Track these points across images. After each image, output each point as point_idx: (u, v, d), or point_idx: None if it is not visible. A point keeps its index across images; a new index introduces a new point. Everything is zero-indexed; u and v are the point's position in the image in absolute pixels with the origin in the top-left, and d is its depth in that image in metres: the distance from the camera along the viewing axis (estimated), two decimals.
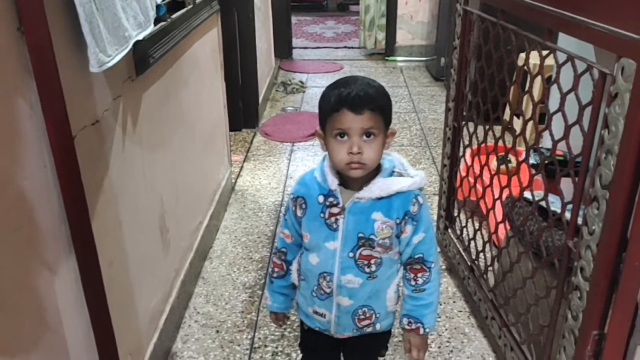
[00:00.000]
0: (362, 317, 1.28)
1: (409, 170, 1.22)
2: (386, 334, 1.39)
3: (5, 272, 0.97)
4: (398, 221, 1.19)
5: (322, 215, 1.21)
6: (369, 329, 1.30)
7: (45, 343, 1.11)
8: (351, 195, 1.19)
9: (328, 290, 1.25)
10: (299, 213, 1.25)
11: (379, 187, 1.17)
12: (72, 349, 1.20)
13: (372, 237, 1.19)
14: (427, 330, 1.27)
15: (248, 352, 1.87)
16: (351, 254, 1.21)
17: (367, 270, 1.23)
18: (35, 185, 1.05)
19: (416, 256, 1.24)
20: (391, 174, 1.20)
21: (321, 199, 1.21)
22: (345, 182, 1.19)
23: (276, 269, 1.36)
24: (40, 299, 1.08)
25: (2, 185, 0.95)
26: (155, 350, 1.71)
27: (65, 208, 1.12)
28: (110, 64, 1.19)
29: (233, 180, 3.06)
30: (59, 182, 1.10)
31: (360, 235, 1.20)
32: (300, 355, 1.53)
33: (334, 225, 1.20)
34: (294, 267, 1.33)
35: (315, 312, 1.31)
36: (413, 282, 1.26)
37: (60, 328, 1.15)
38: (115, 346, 1.32)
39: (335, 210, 1.20)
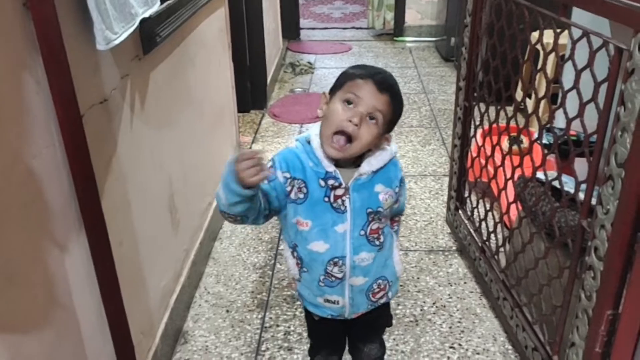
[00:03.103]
0: (376, 290, 1.29)
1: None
2: (388, 304, 1.40)
3: (16, 248, 0.97)
4: (397, 189, 1.24)
5: (326, 199, 1.17)
6: (383, 300, 1.32)
7: (57, 320, 1.11)
8: (349, 173, 1.17)
9: (340, 276, 1.23)
10: (294, 196, 1.18)
11: (376, 161, 1.19)
12: (84, 327, 1.20)
13: (379, 209, 1.20)
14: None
15: (259, 331, 1.87)
16: (362, 232, 1.21)
17: (377, 243, 1.24)
18: (44, 164, 1.04)
19: (399, 212, 1.34)
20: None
21: (322, 182, 1.17)
22: (338, 162, 1.17)
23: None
24: (51, 275, 1.08)
25: (11, 162, 0.95)
26: (167, 329, 1.72)
27: (74, 186, 1.12)
28: (116, 42, 1.18)
29: None
30: (67, 161, 1.09)
31: (369, 210, 1.20)
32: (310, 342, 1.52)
33: (342, 207, 1.18)
34: (291, 262, 1.27)
35: (327, 301, 1.27)
36: (393, 228, 1.35)
37: (72, 305, 1.16)
38: (127, 325, 1.32)
39: (339, 191, 1.17)
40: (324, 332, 1.43)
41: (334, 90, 1.17)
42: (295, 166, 1.17)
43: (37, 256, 1.04)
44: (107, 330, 1.29)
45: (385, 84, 1.13)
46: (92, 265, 1.21)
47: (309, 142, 1.18)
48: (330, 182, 1.17)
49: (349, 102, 1.11)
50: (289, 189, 1.18)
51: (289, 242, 1.26)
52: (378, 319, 1.40)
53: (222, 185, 1.08)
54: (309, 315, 1.38)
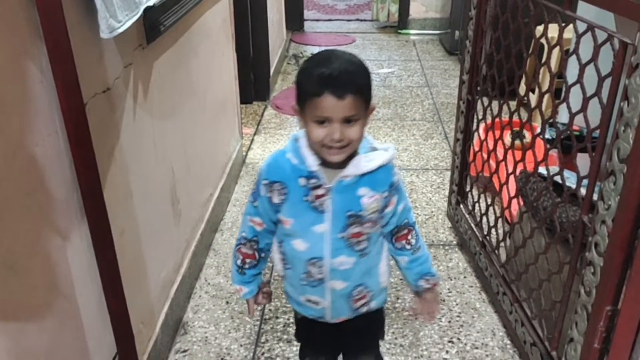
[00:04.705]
0: (357, 297, 1.25)
1: (375, 143, 1.19)
2: (380, 314, 1.37)
3: (18, 237, 0.97)
4: (386, 194, 1.17)
5: (306, 198, 1.14)
6: (364, 309, 1.28)
7: (58, 309, 1.12)
8: (333, 174, 1.13)
9: (319, 277, 1.20)
10: (276, 199, 1.16)
11: (364, 164, 1.13)
12: (85, 316, 1.21)
13: (361, 213, 1.15)
14: (439, 280, 1.31)
15: (259, 322, 1.88)
16: (341, 235, 1.16)
17: (358, 248, 1.19)
18: (47, 152, 1.04)
19: (402, 223, 1.24)
20: (368, 150, 1.16)
21: (302, 181, 1.13)
22: (325, 161, 1.12)
23: (248, 260, 1.26)
24: (52, 265, 1.09)
25: (13, 149, 0.95)
26: (167, 320, 1.73)
27: (76, 175, 1.12)
28: (120, 30, 1.18)
29: (244, 153, 3.05)
30: (70, 149, 1.09)
31: (350, 213, 1.15)
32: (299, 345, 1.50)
33: (321, 208, 1.14)
34: (276, 256, 1.27)
35: (309, 300, 1.26)
36: (408, 246, 1.25)
37: (73, 295, 1.16)
38: (127, 314, 1.33)
39: (320, 191, 1.13)
40: (310, 333, 1.39)
41: (300, 103, 1.09)
42: (277, 170, 1.15)
43: (38, 245, 1.04)
44: (108, 320, 1.29)
45: (341, 85, 1.03)
46: (94, 254, 1.21)
47: (297, 140, 1.15)
48: (312, 181, 1.13)
49: (321, 121, 1.05)
50: (270, 195, 1.16)
51: (277, 237, 1.25)
52: (367, 328, 1.36)
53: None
54: (295, 314, 1.37)
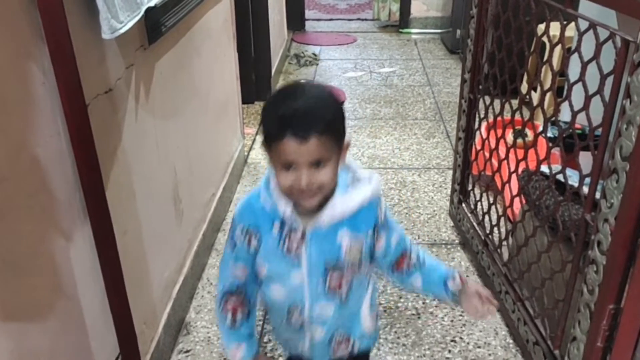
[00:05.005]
0: (338, 341, 1.16)
1: (358, 172, 1.06)
2: (366, 358, 1.27)
3: (21, 237, 0.97)
4: (370, 233, 1.06)
5: (280, 246, 1.03)
6: (346, 353, 1.18)
7: (61, 309, 1.12)
8: (309, 219, 1.01)
9: (299, 323, 1.12)
10: (252, 244, 1.06)
11: (342, 207, 1.00)
12: (87, 316, 1.21)
13: (340, 261, 1.04)
14: (458, 274, 1.15)
15: (261, 322, 1.88)
16: (321, 283, 1.06)
17: (339, 295, 1.08)
18: (49, 153, 1.04)
19: (400, 253, 1.13)
20: (348, 184, 1.04)
21: (276, 227, 1.02)
22: (299, 204, 1.01)
23: (239, 311, 1.11)
24: (55, 265, 1.09)
25: (16, 150, 0.95)
26: (169, 320, 1.73)
27: (79, 176, 1.12)
28: (122, 30, 1.18)
29: (246, 153, 3.05)
30: (72, 151, 1.09)
31: (328, 264, 1.04)
32: None
33: (297, 258, 1.04)
34: (259, 297, 1.16)
35: (291, 340, 1.19)
36: (411, 267, 1.14)
37: (76, 295, 1.16)
38: (130, 315, 1.33)
39: (295, 239, 1.02)
40: None
41: (266, 144, 0.97)
42: (250, 215, 1.05)
43: (41, 246, 1.05)
44: (111, 321, 1.29)
45: (305, 126, 0.91)
46: (96, 255, 1.21)
47: (270, 181, 1.03)
48: (286, 227, 1.02)
49: (286, 166, 0.94)
50: (245, 240, 1.06)
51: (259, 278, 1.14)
52: None
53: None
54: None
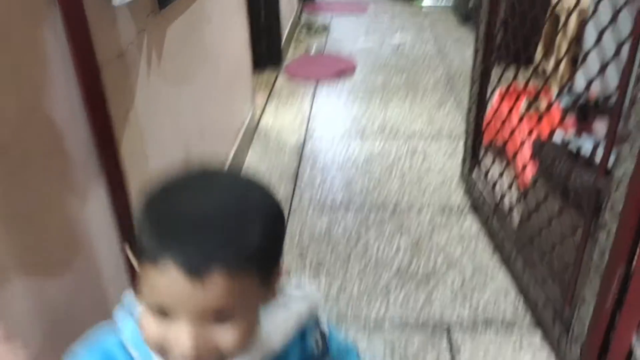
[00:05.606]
0: None
1: (288, 287, 0.71)
2: None
3: (37, 196, 0.99)
4: None
5: None
6: None
7: (77, 264, 1.14)
8: None
9: None
10: None
11: (268, 334, 0.67)
12: (103, 272, 1.23)
13: None
14: None
15: None
16: None
17: None
18: (63, 115, 1.05)
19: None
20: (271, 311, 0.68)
21: None
22: None
23: None
24: (71, 223, 1.11)
25: (30, 111, 0.96)
26: None
27: (93, 138, 1.13)
28: None
29: (256, 120, 3.05)
30: (86, 113, 1.10)
31: None
32: None
33: None
34: None
35: None
36: None
37: (92, 252, 1.19)
38: None
39: None
40: None
41: (139, 260, 0.58)
42: None
43: (57, 205, 1.06)
44: (126, 277, 1.32)
45: (198, 251, 0.53)
46: (111, 214, 1.23)
47: (132, 315, 0.65)
48: None
49: (159, 310, 0.56)
50: None
51: None
52: None
53: None
54: None
